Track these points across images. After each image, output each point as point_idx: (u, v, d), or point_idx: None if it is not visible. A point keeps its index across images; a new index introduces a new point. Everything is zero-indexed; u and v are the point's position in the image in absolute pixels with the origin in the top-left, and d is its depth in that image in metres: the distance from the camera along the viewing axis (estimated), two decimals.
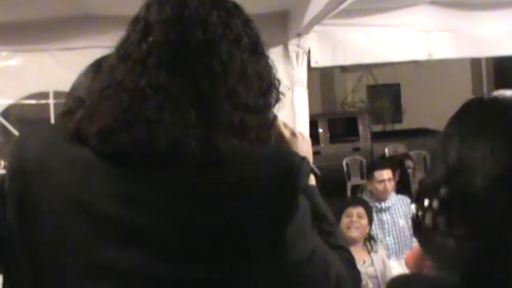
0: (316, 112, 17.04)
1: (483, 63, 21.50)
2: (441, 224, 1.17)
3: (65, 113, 1.72)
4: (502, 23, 5.72)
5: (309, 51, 5.33)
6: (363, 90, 21.10)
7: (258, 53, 1.69)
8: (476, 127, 1.22)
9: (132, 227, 1.54)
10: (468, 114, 1.28)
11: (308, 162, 1.65)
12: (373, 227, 6.31)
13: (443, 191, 1.19)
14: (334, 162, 15.67)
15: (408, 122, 19.74)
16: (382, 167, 7.22)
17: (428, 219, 1.19)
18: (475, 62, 20.62)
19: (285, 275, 1.58)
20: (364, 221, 5.93)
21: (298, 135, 1.95)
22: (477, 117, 1.25)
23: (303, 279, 1.62)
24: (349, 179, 15.93)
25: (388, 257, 6.10)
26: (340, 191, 14.07)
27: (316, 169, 1.94)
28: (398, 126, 20.18)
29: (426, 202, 1.20)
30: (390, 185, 6.92)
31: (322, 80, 19.96)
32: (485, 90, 21.91)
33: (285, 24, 5.26)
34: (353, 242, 5.64)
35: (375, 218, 6.45)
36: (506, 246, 1.14)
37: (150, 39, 1.61)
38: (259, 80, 1.66)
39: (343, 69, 19.06)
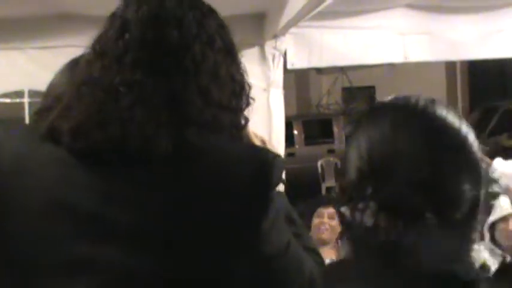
0: (292, 114, 17.04)
1: (458, 67, 21.63)
2: (382, 222, 1.25)
3: (41, 111, 1.72)
4: (477, 27, 5.76)
5: (285, 53, 5.34)
6: (338, 92, 21.17)
7: (231, 56, 1.71)
8: (387, 130, 1.31)
9: (109, 223, 1.55)
10: (375, 118, 1.37)
11: (282, 159, 1.67)
12: None
13: (371, 190, 1.26)
14: (309, 164, 15.70)
15: None
16: None
17: (367, 219, 1.26)
18: (450, 65, 20.73)
19: (261, 268, 1.60)
20: (335, 222, 5.90)
21: (267, 143, 1.97)
22: (386, 120, 1.34)
23: (278, 272, 1.64)
24: (323, 180, 15.96)
25: None
26: (314, 193, 14.11)
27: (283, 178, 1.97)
28: None
29: (361, 205, 1.27)
30: None
31: (298, 81, 19.98)
32: (459, 92, 22.06)
33: (262, 26, 5.27)
34: (323, 242, 5.60)
35: None
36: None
37: (127, 36, 1.63)
38: (232, 81, 1.68)
39: (319, 71, 19.12)
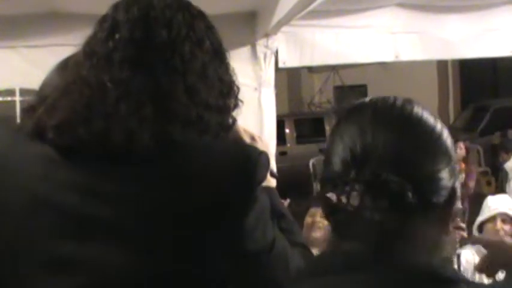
0: (283, 112, 17.06)
1: (449, 66, 21.67)
2: (368, 202, 1.30)
3: (28, 110, 1.73)
4: (468, 26, 5.78)
5: (277, 52, 5.34)
6: (329, 91, 21.19)
7: (219, 57, 1.73)
8: (367, 122, 1.38)
9: (92, 220, 1.56)
10: (356, 114, 1.43)
11: (267, 156, 1.68)
12: None
13: (354, 174, 1.32)
14: (301, 163, 15.68)
15: None
16: None
17: (353, 200, 1.31)
18: (442, 64, 20.77)
19: (245, 264, 1.63)
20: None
21: (257, 139, 1.98)
22: (366, 115, 1.40)
23: (264, 269, 1.66)
24: (315, 179, 15.94)
25: None
26: (306, 192, 14.10)
27: (274, 171, 1.97)
28: None
29: (347, 187, 1.32)
30: None
31: (290, 80, 20.00)
32: (451, 91, 22.11)
33: (253, 24, 5.27)
34: (316, 242, 5.58)
35: None
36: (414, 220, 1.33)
37: (117, 36, 1.65)
38: (220, 82, 1.70)
39: (310, 70, 19.14)
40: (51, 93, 1.68)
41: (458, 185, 1.40)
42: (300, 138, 17.75)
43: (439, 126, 1.40)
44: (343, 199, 1.32)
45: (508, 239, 5.24)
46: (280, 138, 12.69)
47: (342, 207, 1.32)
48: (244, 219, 1.58)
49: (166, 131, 1.56)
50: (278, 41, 5.29)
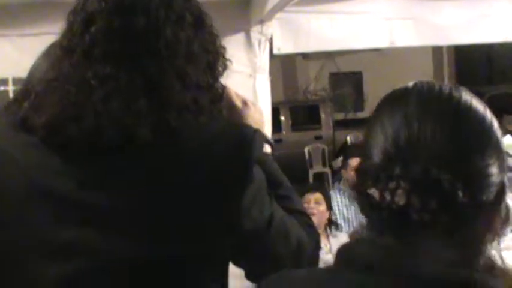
0: (278, 100, 17.07)
1: (444, 52, 21.69)
2: (415, 202, 1.22)
3: (12, 103, 1.71)
4: (463, 12, 5.76)
5: (271, 38, 5.32)
6: (325, 78, 21.19)
7: (201, 26, 1.70)
8: (412, 112, 1.29)
9: (89, 206, 1.56)
10: (399, 101, 1.35)
11: (261, 134, 1.67)
12: (350, 214, 6.35)
13: (400, 170, 1.24)
14: (296, 150, 15.73)
15: (370, 110, 19.69)
16: (357, 154, 7.19)
17: (399, 199, 1.23)
18: (437, 51, 20.79)
19: (244, 243, 1.63)
20: (322, 207, 5.93)
21: (249, 104, 1.96)
22: (411, 103, 1.31)
23: (263, 245, 1.67)
24: (311, 167, 15.98)
25: None
26: (302, 179, 14.12)
27: (269, 138, 1.95)
28: (360, 115, 20.27)
29: (392, 184, 1.24)
30: None
31: (285, 67, 19.98)
32: (446, 78, 22.12)
33: (247, 11, 5.24)
34: None
35: (352, 205, 6.49)
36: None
37: (93, 29, 1.60)
38: (206, 53, 1.68)
39: (305, 57, 19.13)
40: (34, 87, 1.67)
41: (507, 181, 1.30)
42: (295, 126, 17.77)
43: (488, 115, 1.32)
44: (387, 196, 1.25)
45: None
46: (276, 125, 12.69)
47: (386, 206, 1.26)
48: (241, 198, 1.58)
49: (163, 120, 1.55)
50: (272, 28, 5.26)
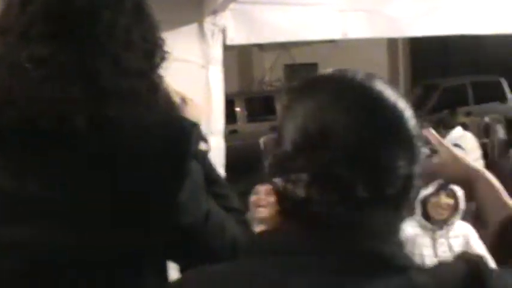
0: (234, 91, 17.07)
1: (399, 44, 21.87)
2: (314, 194, 1.24)
3: None
4: (417, 4, 5.79)
5: (225, 29, 5.31)
6: (280, 69, 21.24)
7: (141, 15, 1.67)
8: (323, 101, 1.29)
9: (27, 201, 1.54)
10: (312, 90, 1.34)
11: (199, 128, 1.66)
12: None
13: (304, 162, 1.25)
14: (252, 141, 15.71)
15: None
16: None
17: (299, 191, 1.25)
18: (392, 43, 20.95)
19: (181, 236, 1.62)
20: (273, 198, 5.87)
21: (188, 101, 1.95)
22: (323, 91, 1.31)
23: (200, 240, 1.66)
24: (266, 157, 15.99)
25: None
26: (257, 170, 14.14)
27: (204, 135, 1.94)
28: None
29: (294, 176, 1.25)
30: None
31: (240, 58, 20.00)
32: (401, 70, 22.32)
33: (201, 1, 5.22)
34: (262, 219, 5.53)
35: None
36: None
37: (30, 9, 1.56)
38: (144, 42, 1.65)
39: (261, 48, 19.14)
40: None
41: (418, 170, 1.30)
42: (251, 117, 17.81)
43: (400, 106, 1.30)
44: (289, 187, 1.27)
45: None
46: (231, 116, 12.69)
47: (288, 195, 1.28)
48: (178, 192, 1.57)
49: (98, 109, 1.52)
50: (226, 19, 5.25)
